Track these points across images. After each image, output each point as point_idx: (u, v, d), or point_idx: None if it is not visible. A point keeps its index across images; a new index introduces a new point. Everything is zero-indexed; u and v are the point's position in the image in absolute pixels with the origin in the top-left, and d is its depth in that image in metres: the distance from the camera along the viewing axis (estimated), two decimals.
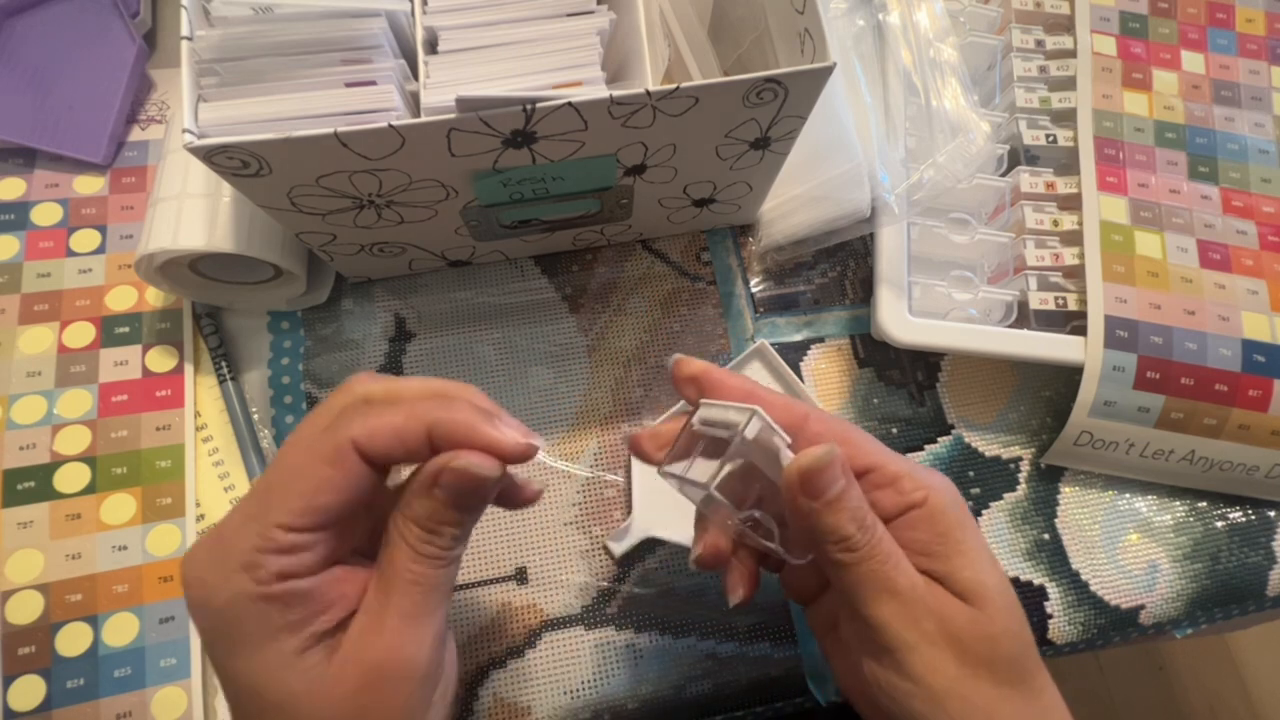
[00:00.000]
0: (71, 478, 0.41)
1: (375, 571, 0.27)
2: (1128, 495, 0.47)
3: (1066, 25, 0.51)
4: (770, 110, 0.36)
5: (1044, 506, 0.46)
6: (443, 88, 0.36)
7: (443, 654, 0.28)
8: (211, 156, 0.31)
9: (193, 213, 0.39)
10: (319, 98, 0.35)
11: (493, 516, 0.43)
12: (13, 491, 0.40)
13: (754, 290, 0.49)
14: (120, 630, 0.39)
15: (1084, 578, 0.45)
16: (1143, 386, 0.43)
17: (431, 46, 0.37)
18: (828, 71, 0.34)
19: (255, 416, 0.44)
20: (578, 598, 0.42)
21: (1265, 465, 0.44)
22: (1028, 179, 0.48)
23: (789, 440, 0.28)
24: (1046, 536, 0.45)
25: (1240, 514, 0.47)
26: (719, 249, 0.50)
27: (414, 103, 0.37)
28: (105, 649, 0.39)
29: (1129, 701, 1.11)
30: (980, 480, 0.46)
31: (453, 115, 0.31)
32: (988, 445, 0.47)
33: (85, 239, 0.46)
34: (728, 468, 0.28)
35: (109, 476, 0.41)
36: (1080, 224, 0.46)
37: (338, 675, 0.26)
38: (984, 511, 0.46)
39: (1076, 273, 0.46)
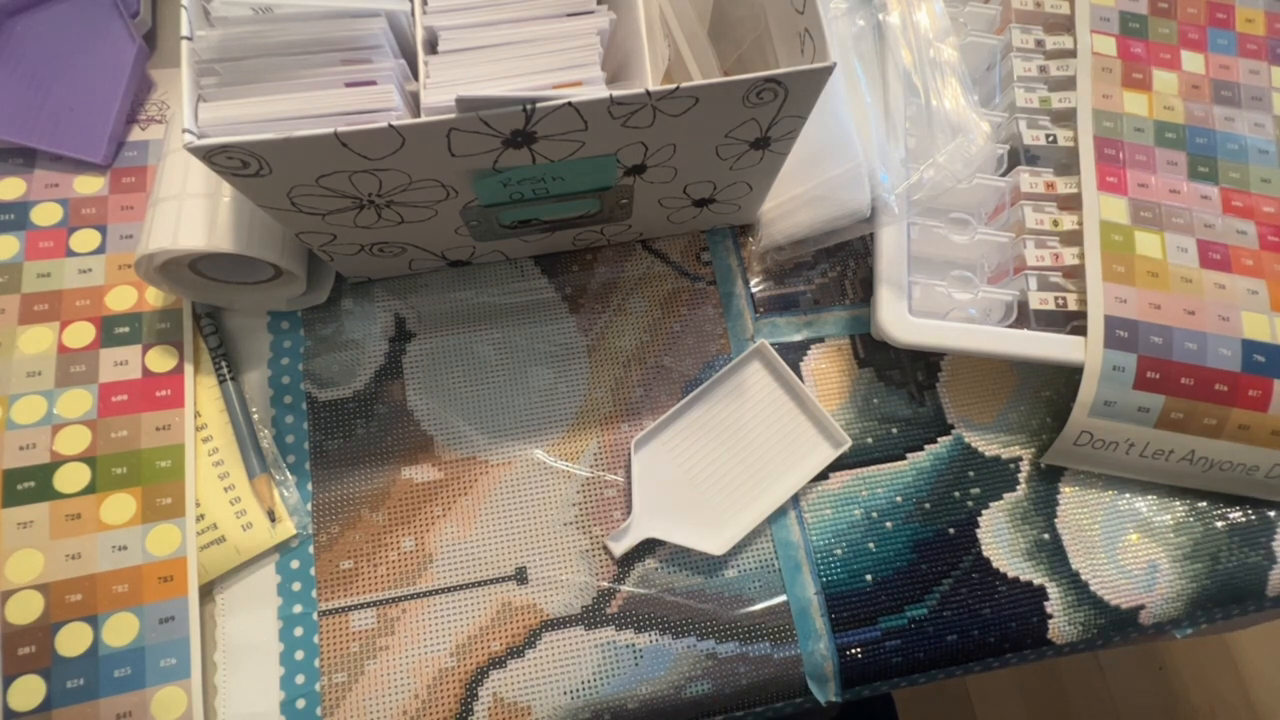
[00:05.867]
0: (71, 478, 0.41)
1: None
2: (1128, 495, 0.47)
3: (1066, 25, 0.51)
4: (770, 110, 0.36)
5: (1044, 506, 0.46)
6: (443, 88, 0.36)
7: None
8: (211, 156, 0.31)
9: (193, 213, 0.39)
10: (319, 98, 0.35)
11: (493, 516, 0.43)
12: (13, 491, 0.40)
13: (754, 290, 0.49)
14: (120, 630, 0.39)
15: (1084, 578, 0.45)
16: (1143, 386, 0.43)
17: (431, 46, 0.37)
18: (828, 71, 0.34)
19: (255, 416, 0.44)
20: (578, 598, 0.42)
21: (1265, 465, 0.44)
22: (1028, 179, 0.48)
23: None
24: (1046, 536, 0.45)
25: (1240, 514, 0.47)
26: (719, 249, 0.50)
27: (414, 103, 0.37)
28: (105, 649, 0.39)
29: (1129, 701, 1.11)
30: (980, 480, 0.46)
31: (453, 115, 0.31)
32: (988, 445, 0.47)
33: (85, 239, 0.46)
34: None
35: (109, 476, 0.41)
36: (1080, 224, 0.46)
37: None
38: (984, 511, 0.46)
39: (1076, 273, 0.46)
